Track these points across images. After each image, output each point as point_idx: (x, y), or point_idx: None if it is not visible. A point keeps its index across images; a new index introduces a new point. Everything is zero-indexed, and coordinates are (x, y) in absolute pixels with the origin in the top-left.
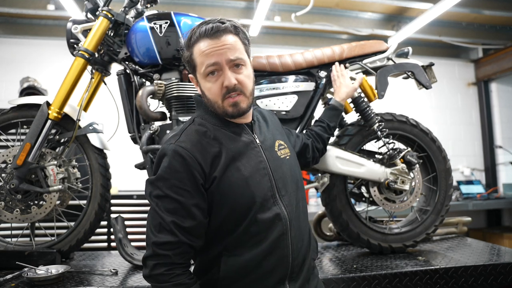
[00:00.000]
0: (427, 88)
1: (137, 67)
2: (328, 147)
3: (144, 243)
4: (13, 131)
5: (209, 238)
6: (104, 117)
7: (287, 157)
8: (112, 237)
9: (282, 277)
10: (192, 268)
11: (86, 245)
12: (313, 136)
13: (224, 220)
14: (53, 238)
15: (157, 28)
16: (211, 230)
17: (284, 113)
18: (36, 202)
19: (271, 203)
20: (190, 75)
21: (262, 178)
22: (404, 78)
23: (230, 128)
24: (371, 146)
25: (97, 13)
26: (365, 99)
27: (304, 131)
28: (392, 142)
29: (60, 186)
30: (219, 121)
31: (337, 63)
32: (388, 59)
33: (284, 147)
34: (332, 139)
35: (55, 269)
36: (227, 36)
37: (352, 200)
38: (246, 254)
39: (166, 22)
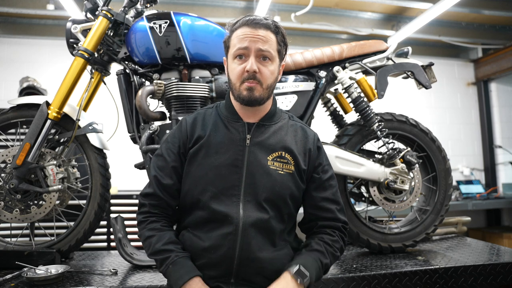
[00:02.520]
0: (426, 88)
1: (136, 66)
2: (328, 146)
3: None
4: (12, 131)
5: (181, 207)
6: (104, 117)
7: (280, 172)
8: (112, 237)
9: (223, 276)
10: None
11: (85, 245)
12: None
13: (187, 194)
14: (52, 238)
15: (156, 28)
16: (182, 200)
17: None
18: (35, 202)
19: (231, 200)
20: (223, 57)
21: (230, 174)
22: (404, 78)
23: (230, 123)
24: (370, 146)
25: (97, 12)
26: (365, 99)
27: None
28: (392, 142)
29: (59, 186)
30: (228, 113)
31: None
32: (388, 59)
33: (285, 162)
34: (332, 139)
35: (54, 269)
36: (266, 31)
37: (352, 200)
38: (200, 237)
39: (166, 22)
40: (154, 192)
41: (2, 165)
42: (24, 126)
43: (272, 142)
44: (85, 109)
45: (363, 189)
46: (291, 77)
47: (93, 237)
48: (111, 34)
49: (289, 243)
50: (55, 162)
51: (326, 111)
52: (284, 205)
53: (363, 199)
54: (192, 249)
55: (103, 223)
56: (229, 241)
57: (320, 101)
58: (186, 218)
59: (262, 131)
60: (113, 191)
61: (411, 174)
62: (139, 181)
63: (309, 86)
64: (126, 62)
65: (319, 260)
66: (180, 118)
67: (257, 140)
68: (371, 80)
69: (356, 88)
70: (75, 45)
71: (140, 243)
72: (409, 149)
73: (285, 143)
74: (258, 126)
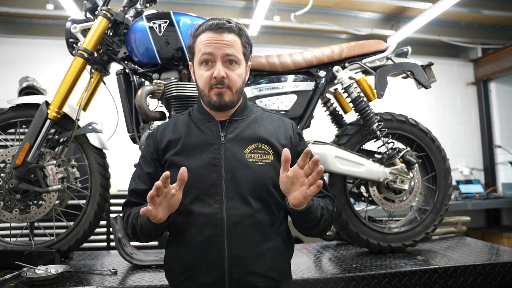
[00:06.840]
0: (426, 88)
1: (136, 66)
2: (328, 146)
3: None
4: (12, 130)
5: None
6: (103, 116)
7: (260, 163)
8: (112, 236)
9: (216, 281)
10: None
11: (85, 244)
12: None
13: None
14: (52, 237)
15: (156, 27)
16: None
17: (283, 112)
18: (35, 201)
19: (214, 200)
20: (190, 62)
21: (209, 173)
22: (403, 77)
23: (203, 124)
24: (370, 145)
25: (96, 12)
26: (365, 99)
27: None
28: (392, 142)
29: (59, 186)
30: (201, 116)
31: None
32: (388, 58)
33: (263, 152)
34: (331, 139)
35: (54, 269)
36: (229, 34)
37: (352, 200)
38: (186, 243)
39: (166, 22)
40: (129, 201)
41: (2, 165)
42: (24, 126)
43: (247, 135)
44: (84, 109)
45: (362, 189)
46: (291, 77)
47: (92, 237)
48: (111, 34)
49: (281, 236)
50: (54, 162)
51: (325, 111)
52: (268, 196)
53: (363, 199)
54: (179, 257)
55: (103, 223)
56: (216, 242)
57: (319, 101)
58: (173, 222)
59: (236, 126)
60: (112, 191)
61: (411, 174)
62: None
63: (309, 86)
64: (126, 62)
65: (317, 200)
66: None
67: (231, 136)
68: (370, 80)
69: (355, 88)
70: (74, 45)
71: (140, 243)
72: (408, 148)
73: (260, 134)
74: (230, 122)
